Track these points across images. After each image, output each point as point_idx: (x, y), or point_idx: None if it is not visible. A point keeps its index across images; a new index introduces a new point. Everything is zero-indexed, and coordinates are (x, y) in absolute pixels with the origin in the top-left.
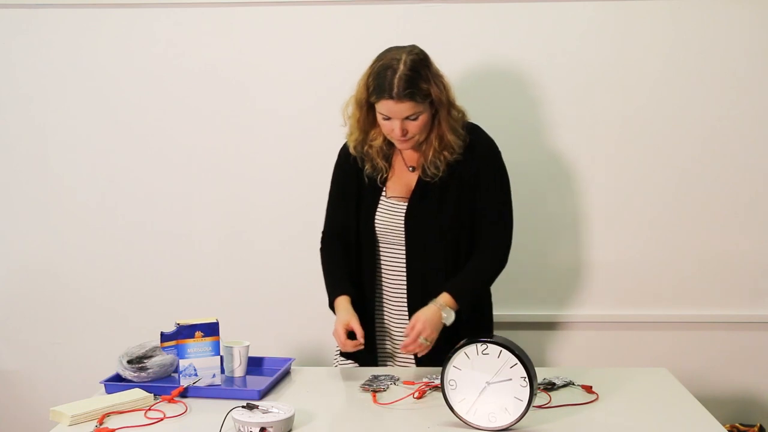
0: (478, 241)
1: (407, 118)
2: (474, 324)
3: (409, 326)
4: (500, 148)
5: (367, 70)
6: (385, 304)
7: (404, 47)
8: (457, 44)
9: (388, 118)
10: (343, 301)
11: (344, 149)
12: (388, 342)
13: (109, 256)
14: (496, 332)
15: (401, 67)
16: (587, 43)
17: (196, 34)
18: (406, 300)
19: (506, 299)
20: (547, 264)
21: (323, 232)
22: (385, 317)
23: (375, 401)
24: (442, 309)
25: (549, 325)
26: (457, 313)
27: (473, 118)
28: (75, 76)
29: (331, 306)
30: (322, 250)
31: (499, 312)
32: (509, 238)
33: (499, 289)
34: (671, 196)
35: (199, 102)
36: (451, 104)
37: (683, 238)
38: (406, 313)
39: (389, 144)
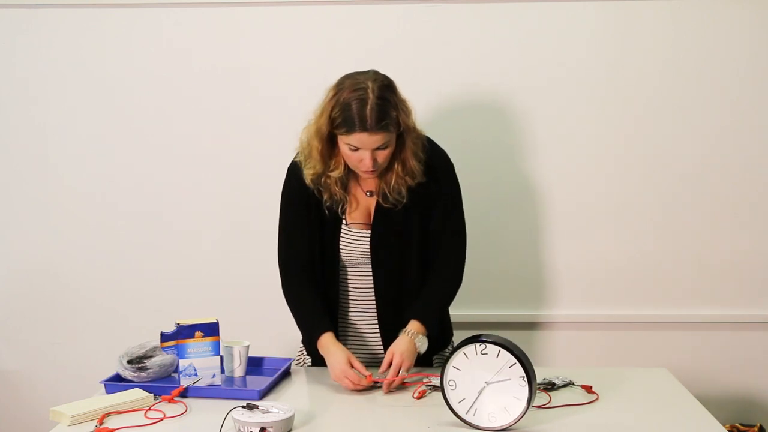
0: (437, 255)
1: (377, 148)
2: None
3: (386, 361)
4: (499, 148)
5: (329, 100)
6: (353, 325)
7: (366, 73)
8: (457, 44)
9: (357, 150)
10: (331, 338)
11: (293, 172)
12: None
13: (109, 257)
14: (495, 332)
15: (371, 96)
16: (588, 43)
17: (196, 34)
18: (376, 315)
19: (506, 299)
20: (547, 263)
21: (283, 263)
22: (352, 337)
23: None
24: (415, 338)
25: (549, 325)
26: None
27: (472, 118)
28: (75, 76)
29: (312, 343)
30: (286, 284)
31: (499, 312)
32: (465, 250)
33: (499, 288)
34: (672, 196)
35: (200, 102)
36: (413, 128)
37: (684, 239)
38: (378, 333)
39: (347, 172)
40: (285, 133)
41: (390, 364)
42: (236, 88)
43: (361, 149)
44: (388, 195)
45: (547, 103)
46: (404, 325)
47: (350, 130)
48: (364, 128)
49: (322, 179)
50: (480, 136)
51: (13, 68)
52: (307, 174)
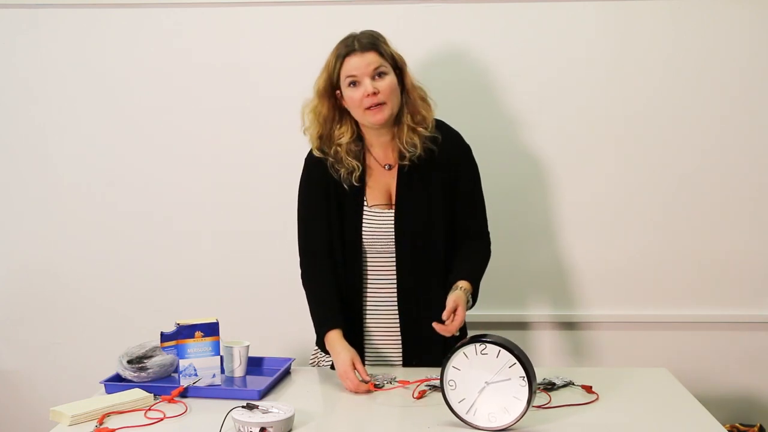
0: (469, 232)
1: (375, 74)
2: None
3: (449, 308)
4: (499, 148)
5: (326, 61)
6: (372, 311)
7: None
8: (457, 44)
9: (356, 84)
10: (338, 337)
11: (310, 162)
12: (372, 350)
13: (109, 256)
14: (496, 332)
15: (359, 32)
16: (588, 43)
17: (197, 34)
18: (396, 304)
19: (507, 299)
20: (548, 264)
21: (303, 251)
22: (372, 324)
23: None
24: (467, 294)
25: (549, 325)
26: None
27: (472, 118)
28: (76, 76)
29: (320, 339)
30: (304, 274)
31: (499, 312)
32: (487, 224)
33: (500, 288)
34: (672, 196)
35: (201, 102)
36: (412, 80)
37: (684, 239)
38: (397, 319)
39: (358, 140)
40: (286, 132)
41: (453, 312)
42: (236, 88)
43: (359, 77)
44: (404, 149)
45: (547, 104)
46: (423, 315)
47: (343, 59)
48: (354, 49)
49: (333, 149)
50: (479, 137)
51: (14, 68)
52: (313, 141)
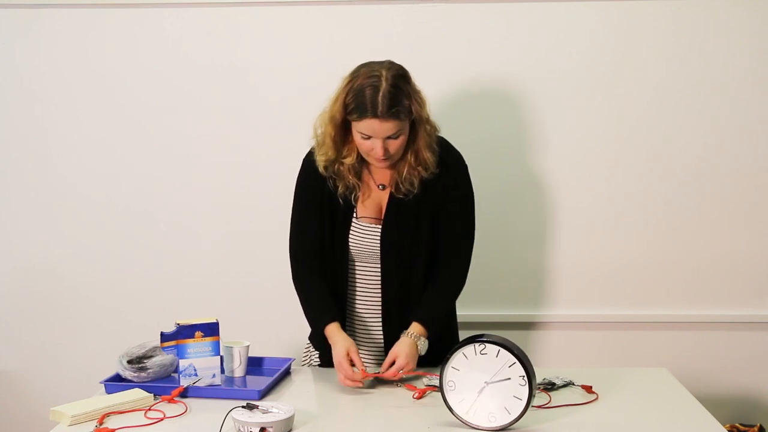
0: (443, 256)
1: (389, 137)
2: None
3: (388, 361)
4: (500, 147)
5: (343, 87)
6: (356, 318)
7: (381, 63)
8: (457, 45)
9: (368, 138)
10: (336, 329)
11: (309, 162)
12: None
13: (109, 256)
14: (495, 332)
15: (383, 84)
16: (589, 44)
17: (197, 34)
18: (380, 314)
19: (506, 299)
20: (547, 264)
21: (294, 251)
22: (355, 331)
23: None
24: (417, 341)
25: (549, 325)
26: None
27: (470, 118)
28: (77, 76)
29: (318, 333)
30: (296, 273)
31: (499, 312)
32: (471, 254)
33: (499, 289)
34: (673, 196)
35: (201, 102)
36: (427, 120)
37: (684, 239)
38: (380, 328)
39: (360, 160)
40: (286, 133)
41: (391, 364)
42: (237, 88)
43: (372, 137)
44: (401, 185)
45: (547, 104)
46: (407, 323)
47: (362, 116)
48: (375, 115)
49: (336, 166)
50: (479, 137)
51: (14, 68)
52: (320, 161)
